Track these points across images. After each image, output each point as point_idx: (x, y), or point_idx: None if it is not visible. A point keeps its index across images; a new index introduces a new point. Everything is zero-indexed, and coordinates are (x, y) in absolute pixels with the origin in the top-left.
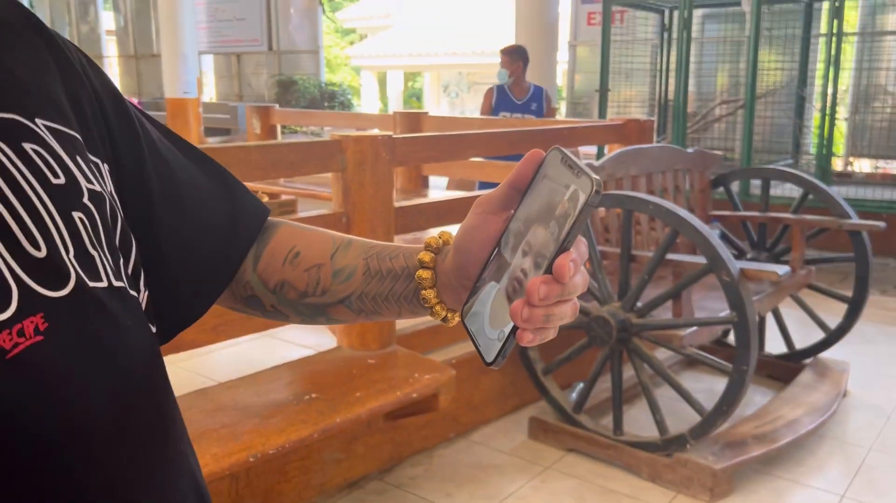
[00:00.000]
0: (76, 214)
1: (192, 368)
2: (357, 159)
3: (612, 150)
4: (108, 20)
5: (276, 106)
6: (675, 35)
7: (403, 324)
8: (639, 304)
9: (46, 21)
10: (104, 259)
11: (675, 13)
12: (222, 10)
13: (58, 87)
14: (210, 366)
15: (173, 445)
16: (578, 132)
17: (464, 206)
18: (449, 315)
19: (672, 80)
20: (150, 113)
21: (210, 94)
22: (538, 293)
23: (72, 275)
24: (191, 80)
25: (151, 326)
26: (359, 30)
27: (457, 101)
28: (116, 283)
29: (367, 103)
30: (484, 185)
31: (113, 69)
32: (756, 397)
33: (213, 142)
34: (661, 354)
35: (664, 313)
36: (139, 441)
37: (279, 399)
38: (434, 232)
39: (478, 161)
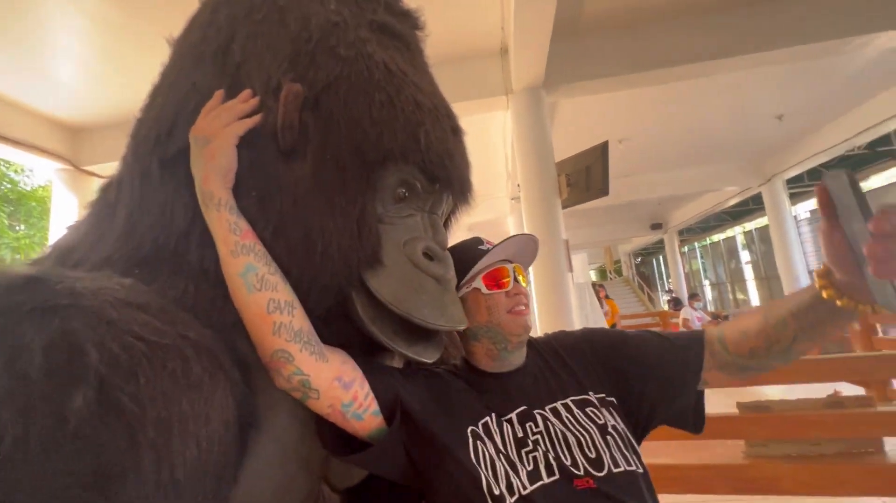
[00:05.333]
0: (608, 437)
1: None
2: None
3: None
4: (745, 256)
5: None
6: None
7: None
8: None
9: (707, 264)
10: (625, 456)
11: None
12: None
13: (590, 370)
14: None
15: None
16: None
17: None
18: (849, 303)
19: None
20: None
21: None
22: (872, 244)
23: (606, 464)
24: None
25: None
26: None
27: None
28: (629, 468)
29: None
30: None
31: (752, 287)
32: None
33: None
34: None
35: None
36: None
37: None
38: None
39: None
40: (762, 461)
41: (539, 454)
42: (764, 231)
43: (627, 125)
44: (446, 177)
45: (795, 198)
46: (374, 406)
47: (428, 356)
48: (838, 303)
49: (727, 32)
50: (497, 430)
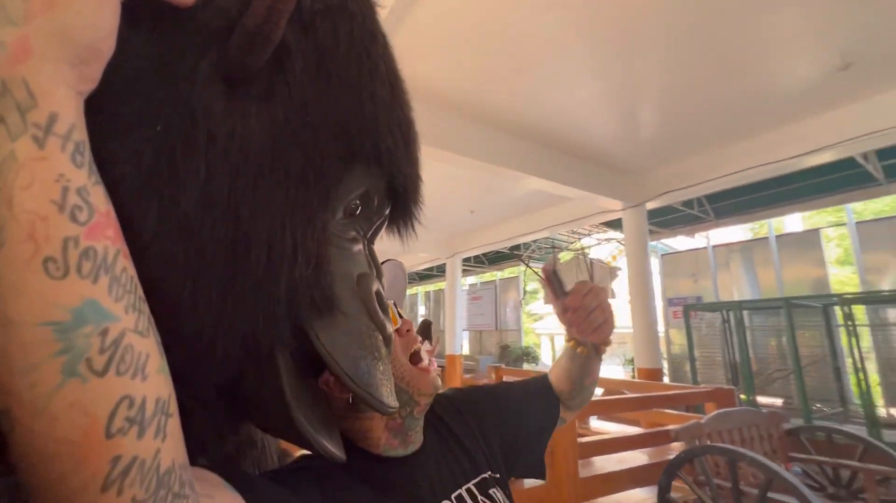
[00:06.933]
0: None
1: None
2: None
3: (708, 409)
4: (422, 310)
5: (503, 365)
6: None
7: None
8: None
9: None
10: None
11: (731, 313)
12: (474, 310)
13: (477, 441)
14: None
15: None
16: (679, 397)
17: (628, 443)
18: (584, 350)
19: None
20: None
21: (466, 351)
22: (566, 316)
23: None
24: (458, 344)
25: None
26: (540, 312)
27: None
28: None
29: (546, 355)
30: None
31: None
32: None
33: (466, 377)
34: None
35: None
36: None
37: None
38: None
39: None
40: None
41: None
42: (439, 293)
43: None
44: (414, 203)
45: (465, 272)
46: None
47: (343, 451)
48: (578, 350)
49: (454, 133)
50: None
